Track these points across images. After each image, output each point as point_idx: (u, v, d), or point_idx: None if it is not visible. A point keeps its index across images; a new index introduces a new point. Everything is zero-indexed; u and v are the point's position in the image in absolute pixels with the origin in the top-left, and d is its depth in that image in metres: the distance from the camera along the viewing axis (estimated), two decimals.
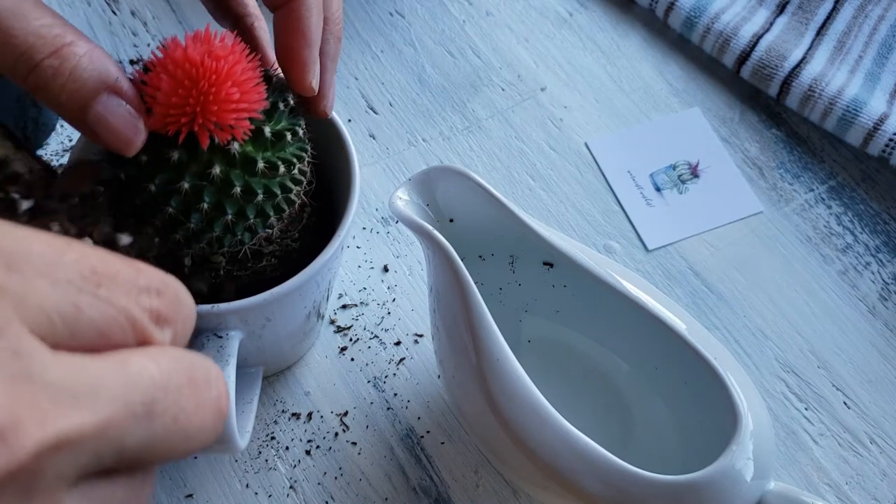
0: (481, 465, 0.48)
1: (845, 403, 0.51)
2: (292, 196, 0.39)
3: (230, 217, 0.37)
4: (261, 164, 0.37)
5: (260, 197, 0.37)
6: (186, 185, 0.36)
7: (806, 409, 0.51)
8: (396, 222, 0.56)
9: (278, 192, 0.38)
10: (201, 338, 0.39)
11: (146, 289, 0.23)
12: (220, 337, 0.39)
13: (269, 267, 0.42)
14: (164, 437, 0.22)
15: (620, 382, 0.47)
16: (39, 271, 0.21)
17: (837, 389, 0.51)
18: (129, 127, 0.34)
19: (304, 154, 0.39)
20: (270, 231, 0.40)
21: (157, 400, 0.22)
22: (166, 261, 0.40)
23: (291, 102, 0.39)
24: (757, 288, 0.55)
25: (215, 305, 0.38)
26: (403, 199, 0.42)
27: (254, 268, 0.41)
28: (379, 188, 0.57)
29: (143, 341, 0.23)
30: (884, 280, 0.55)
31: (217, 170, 0.36)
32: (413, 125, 0.60)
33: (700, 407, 0.43)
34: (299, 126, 0.39)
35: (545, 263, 0.47)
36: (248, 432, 0.43)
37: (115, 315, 0.22)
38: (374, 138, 0.59)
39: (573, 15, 0.65)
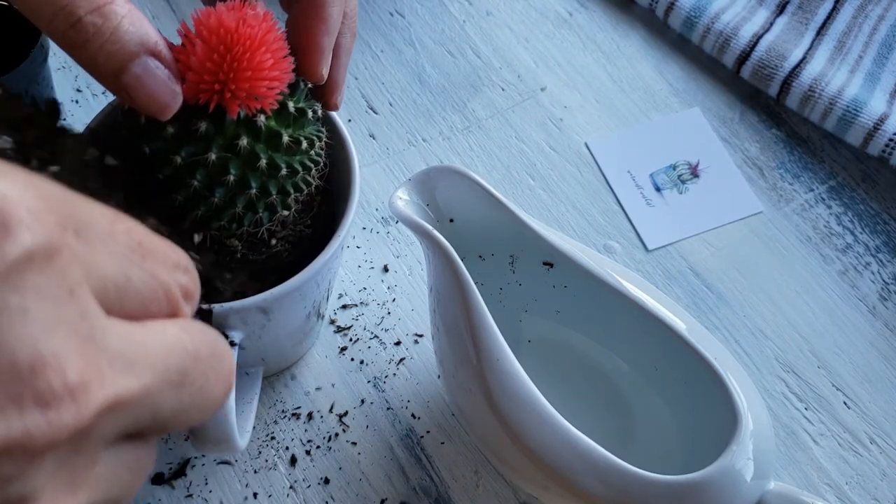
0: (481, 465, 0.48)
1: (845, 403, 0.51)
2: (310, 177, 0.39)
3: (254, 191, 0.37)
4: (286, 139, 0.37)
5: (283, 172, 0.37)
6: (213, 157, 0.36)
7: (806, 409, 0.51)
8: (396, 222, 0.56)
9: (300, 169, 0.38)
10: None
11: (177, 265, 0.24)
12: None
13: (284, 251, 0.42)
14: (189, 405, 0.23)
15: (620, 382, 0.47)
16: (100, 240, 0.21)
17: (837, 389, 0.51)
18: (166, 91, 0.33)
19: (321, 134, 0.40)
20: (287, 213, 0.40)
21: (188, 370, 0.23)
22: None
23: (310, 84, 0.39)
24: (757, 288, 0.55)
25: (215, 305, 0.38)
26: (403, 199, 0.42)
27: (269, 252, 0.41)
28: (379, 188, 0.57)
29: (173, 314, 0.24)
30: (884, 280, 0.55)
31: (244, 142, 0.36)
32: (413, 125, 0.60)
33: (700, 407, 0.43)
34: (317, 107, 0.39)
35: (545, 263, 0.47)
36: (248, 432, 0.43)
37: (157, 287, 0.23)
38: (374, 138, 0.59)
39: (573, 15, 0.65)
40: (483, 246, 0.46)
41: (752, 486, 0.39)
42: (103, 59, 0.32)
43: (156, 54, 0.33)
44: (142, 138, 0.36)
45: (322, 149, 0.40)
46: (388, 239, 0.55)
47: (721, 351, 0.43)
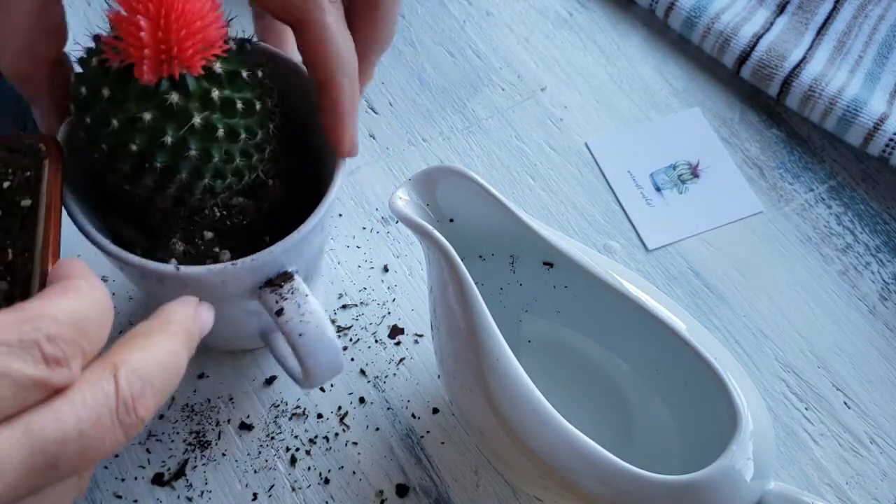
0: (481, 465, 0.48)
1: (845, 403, 0.51)
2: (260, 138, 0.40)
3: (217, 160, 0.37)
4: (240, 105, 0.37)
5: (243, 135, 0.38)
6: (170, 138, 0.36)
7: (806, 409, 0.51)
8: (396, 222, 0.56)
9: (257, 130, 0.39)
10: (272, 282, 0.40)
11: (28, 343, 0.25)
12: (291, 275, 0.40)
13: (269, 190, 0.43)
14: (75, 466, 0.26)
15: (621, 382, 0.47)
16: None
17: (837, 389, 0.51)
18: None
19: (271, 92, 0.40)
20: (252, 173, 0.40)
21: (59, 455, 0.25)
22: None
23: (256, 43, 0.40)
24: (757, 288, 0.55)
25: (271, 250, 0.38)
26: (403, 199, 0.42)
27: (243, 205, 0.42)
28: (379, 188, 0.57)
29: (46, 390, 0.25)
30: (884, 280, 0.55)
31: (198, 119, 0.36)
32: (413, 125, 0.60)
33: (700, 407, 0.43)
34: (264, 66, 0.40)
35: (545, 263, 0.47)
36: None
37: None
38: (374, 138, 0.59)
39: (573, 15, 0.65)
40: (483, 246, 0.46)
41: (751, 487, 0.39)
42: None
43: None
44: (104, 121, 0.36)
45: (274, 105, 0.40)
46: (388, 239, 0.55)
47: (721, 351, 0.43)
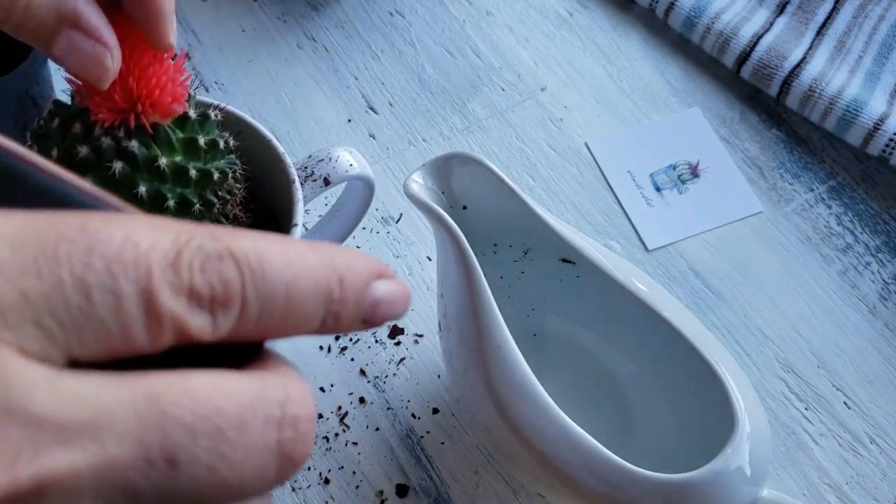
0: (481, 466, 0.48)
1: (845, 403, 0.51)
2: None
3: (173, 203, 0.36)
4: (193, 173, 0.36)
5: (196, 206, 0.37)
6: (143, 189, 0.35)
7: (806, 409, 0.51)
8: (397, 221, 0.56)
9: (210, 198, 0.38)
10: None
11: (172, 266, 0.18)
12: None
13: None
14: (194, 488, 0.18)
15: (623, 380, 0.47)
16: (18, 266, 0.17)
17: (837, 389, 0.51)
18: (94, 63, 0.31)
19: (234, 167, 0.39)
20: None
21: (182, 446, 0.17)
22: None
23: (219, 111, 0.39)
24: (757, 288, 0.55)
25: None
26: (418, 183, 0.43)
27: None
28: (379, 188, 0.57)
29: (180, 335, 0.18)
30: (884, 280, 0.55)
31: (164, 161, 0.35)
32: (413, 125, 0.60)
33: (701, 409, 0.43)
34: (227, 136, 0.39)
35: (564, 260, 0.47)
36: None
37: (110, 304, 0.17)
38: (374, 138, 0.59)
39: (573, 15, 0.65)
40: (495, 238, 0.46)
41: (744, 492, 0.39)
42: (27, 36, 0.30)
43: (76, 25, 0.30)
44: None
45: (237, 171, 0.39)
46: (388, 239, 0.55)
47: (723, 354, 0.43)
